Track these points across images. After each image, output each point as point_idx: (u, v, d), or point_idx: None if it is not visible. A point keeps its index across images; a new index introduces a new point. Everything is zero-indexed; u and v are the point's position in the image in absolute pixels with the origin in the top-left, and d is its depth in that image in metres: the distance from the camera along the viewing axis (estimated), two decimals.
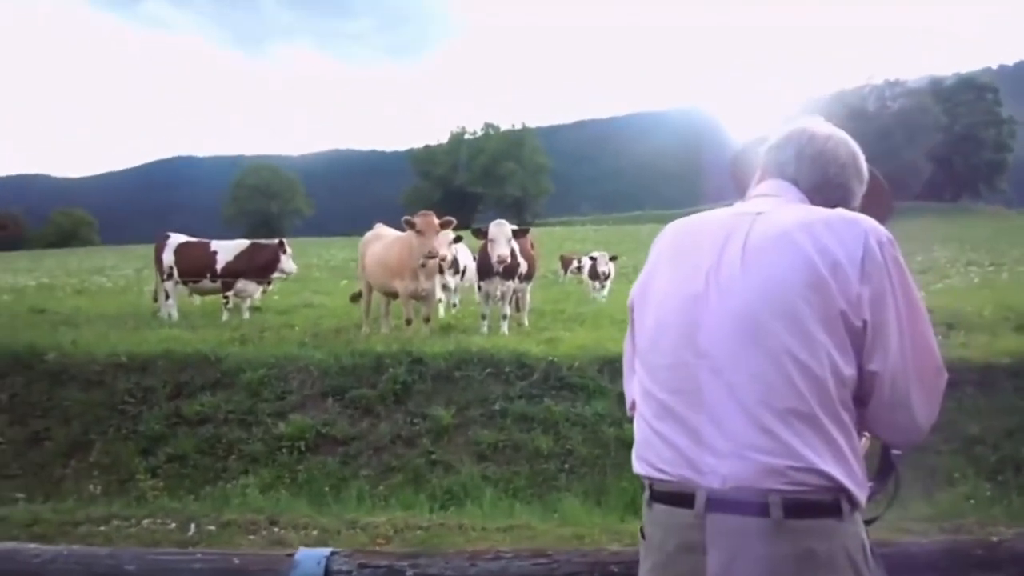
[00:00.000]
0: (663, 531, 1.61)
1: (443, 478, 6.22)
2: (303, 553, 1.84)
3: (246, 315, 11.28)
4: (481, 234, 9.13)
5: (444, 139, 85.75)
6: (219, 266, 11.27)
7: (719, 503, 1.52)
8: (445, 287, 10.81)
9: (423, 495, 5.96)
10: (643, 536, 1.69)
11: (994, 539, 1.93)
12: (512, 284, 9.44)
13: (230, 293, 11.35)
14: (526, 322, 10.21)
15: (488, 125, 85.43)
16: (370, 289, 9.74)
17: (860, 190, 1.82)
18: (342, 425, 6.75)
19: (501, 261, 8.83)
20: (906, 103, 63.50)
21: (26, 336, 8.30)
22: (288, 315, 11.46)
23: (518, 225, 9.56)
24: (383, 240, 9.54)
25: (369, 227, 10.35)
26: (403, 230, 8.81)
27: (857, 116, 62.17)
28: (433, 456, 6.44)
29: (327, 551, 1.84)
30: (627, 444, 2.39)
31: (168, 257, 11.38)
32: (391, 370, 7.16)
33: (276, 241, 12.09)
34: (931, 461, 6.03)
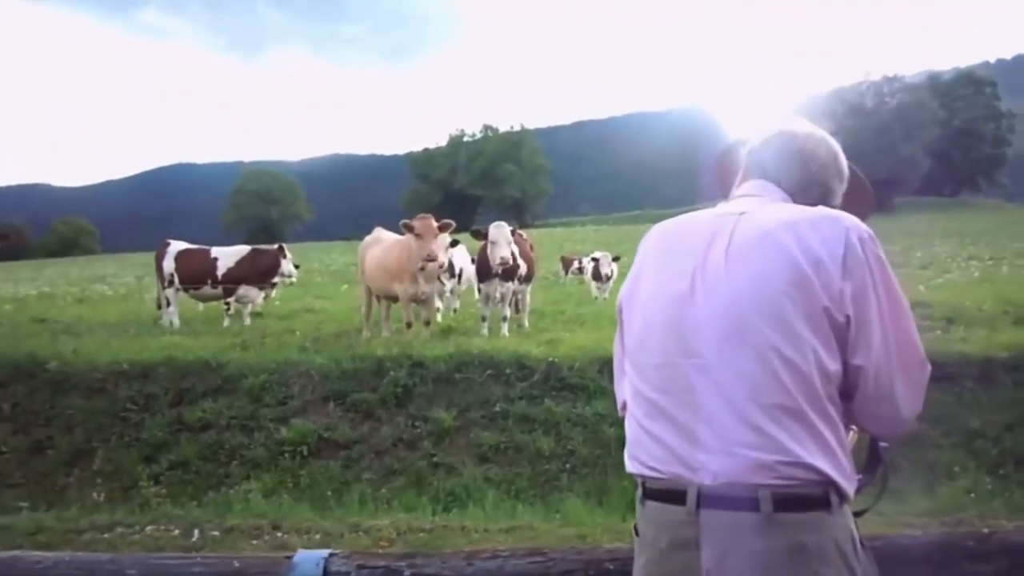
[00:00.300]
0: (656, 528, 1.64)
1: (445, 480, 6.24)
2: (302, 555, 1.86)
3: (247, 321, 11.31)
4: (481, 236, 9.15)
5: (443, 142, 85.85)
6: (220, 272, 11.29)
7: (710, 499, 1.54)
8: (440, 293, 10.73)
9: (425, 497, 5.98)
10: (637, 533, 1.71)
11: (985, 531, 1.94)
12: (512, 286, 9.46)
13: (231, 299, 11.39)
14: (526, 323, 10.23)
15: (487, 127, 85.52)
16: (370, 293, 9.77)
17: (841, 188, 1.85)
18: (344, 429, 6.77)
19: (503, 263, 8.85)
20: (904, 98, 63.42)
21: (28, 345, 8.33)
22: (289, 320, 11.49)
23: (518, 226, 9.59)
24: (382, 244, 9.56)
25: (369, 231, 10.38)
26: (402, 234, 8.84)
27: (856, 112, 62.18)
28: (435, 458, 6.46)
29: (325, 552, 1.86)
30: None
31: (169, 264, 11.39)
32: (392, 373, 7.18)
33: (275, 246, 12.12)
34: (931, 455, 6.05)
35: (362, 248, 10.04)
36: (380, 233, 10.09)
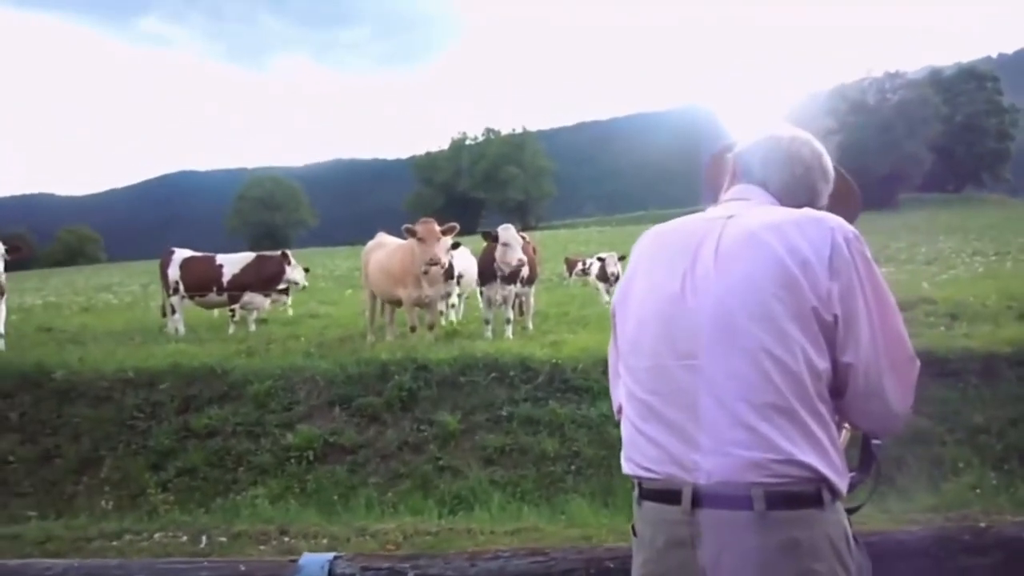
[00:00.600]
0: (652, 528, 1.67)
1: (451, 483, 6.26)
2: (307, 558, 1.89)
3: (252, 327, 11.35)
4: (491, 238, 9.16)
5: (445, 145, 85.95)
6: (225, 279, 11.34)
7: (705, 498, 1.57)
8: (449, 299, 10.58)
9: (431, 501, 6.00)
10: (634, 534, 1.74)
11: (982, 524, 1.96)
12: (514, 288, 9.48)
13: (236, 306, 11.43)
14: (530, 325, 10.24)
15: (489, 130, 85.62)
16: (374, 297, 9.80)
17: (826, 189, 1.88)
18: (349, 434, 6.79)
19: (521, 264, 8.91)
20: (906, 95, 63.24)
21: (34, 355, 8.38)
22: (294, 326, 11.52)
23: (520, 228, 9.59)
24: (385, 248, 9.60)
25: (373, 235, 10.41)
26: (405, 238, 8.87)
27: (858, 110, 62.07)
28: (440, 462, 6.48)
29: (330, 555, 1.88)
30: None
31: (174, 272, 11.44)
32: (397, 377, 7.20)
33: (279, 253, 12.16)
34: (936, 451, 6.06)
35: (365, 253, 10.08)
36: (383, 238, 10.12)
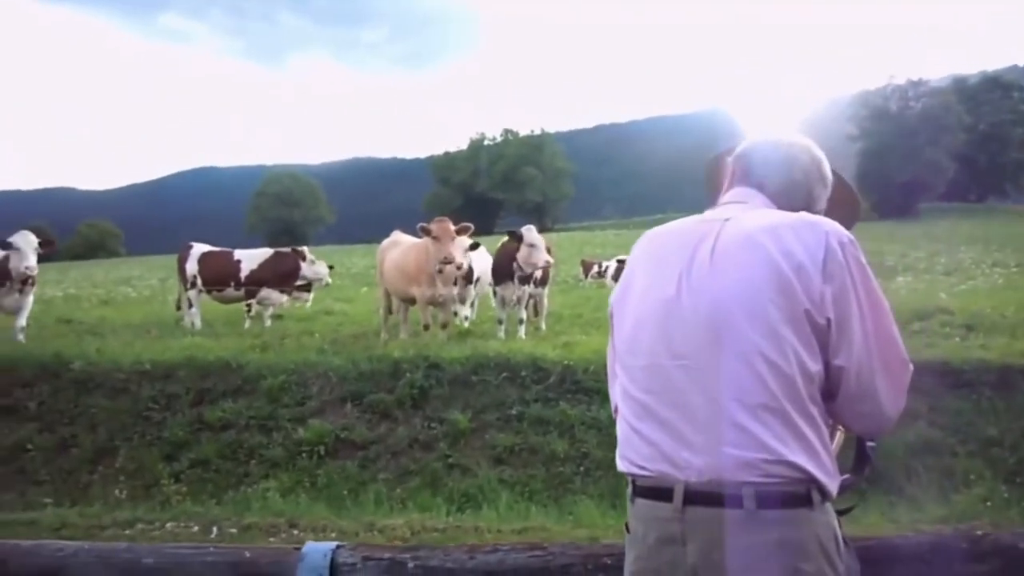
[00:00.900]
0: (645, 524, 1.70)
1: (460, 481, 6.30)
2: (310, 546, 1.93)
3: (268, 323, 11.43)
4: (516, 238, 9.19)
5: (464, 145, 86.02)
6: (243, 274, 11.43)
7: (696, 496, 1.60)
8: (464, 301, 10.29)
9: (440, 498, 6.04)
10: (628, 530, 1.77)
11: (979, 533, 1.97)
12: (528, 289, 9.51)
13: (253, 301, 11.52)
14: (543, 326, 10.26)
15: (507, 131, 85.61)
16: (388, 295, 9.85)
17: (824, 194, 1.90)
18: (360, 430, 6.85)
19: (548, 265, 9.09)
20: (929, 102, 62.58)
21: (53, 346, 8.51)
22: (309, 322, 11.60)
23: (539, 230, 9.59)
24: (400, 247, 9.65)
25: (390, 234, 10.47)
26: (420, 237, 8.91)
27: (880, 116, 61.49)
28: (450, 460, 6.52)
29: (333, 544, 1.92)
30: None
31: (192, 267, 11.53)
32: (408, 375, 7.25)
33: (289, 249, 12.17)
34: (947, 463, 6.02)
35: (380, 251, 10.14)
36: (398, 236, 10.18)
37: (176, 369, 7.66)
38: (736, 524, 1.56)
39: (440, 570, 1.86)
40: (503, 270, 9.41)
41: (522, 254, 9.06)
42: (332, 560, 1.88)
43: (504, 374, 7.25)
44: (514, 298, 9.45)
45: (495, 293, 9.85)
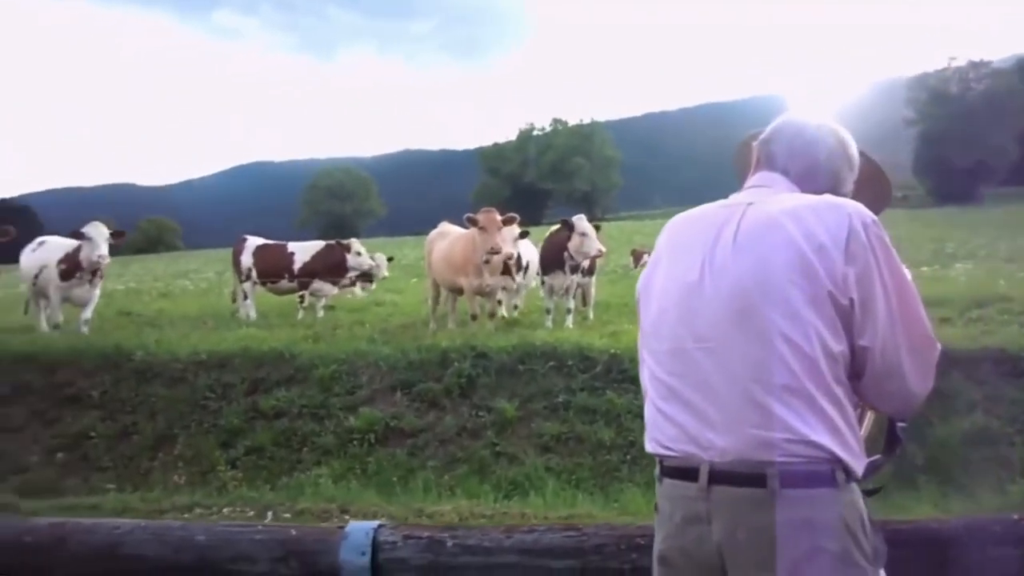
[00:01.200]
0: (671, 504, 1.72)
1: (507, 469, 6.35)
2: (353, 525, 1.99)
3: (320, 313, 11.65)
4: (567, 227, 9.20)
5: (513, 136, 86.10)
6: (296, 267, 11.66)
7: (720, 476, 1.62)
8: (506, 288, 10.04)
9: (487, 485, 6.10)
10: (657, 510, 1.79)
11: (1014, 516, 1.94)
12: (576, 278, 9.51)
13: (306, 292, 11.74)
14: (591, 315, 10.26)
15: (556, 120, 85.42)
16: (437, 286, 9.94)
17: (850, 177, 1.89)
18: (410, 418, 6.94)
19: (600, 254, 9.17)
20: (991, 84, 60.42)
21: (115, 337, 8.80)
22: (360, 313, 11.79)
23: (588, 219, 9.55)
24: (448, 237, 9.73)
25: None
26: (467, 227, 8.97)
27: (940, 100, 59.67)
28: (497, 448, 6.58)
29: (375, 523, 1.98)
30: None
31: (247, 259, 11.78)
32: (456, 364, 7.32)
33: (333, 242, 12.25)
34: (1004, 452, 5.87)
35: (428, 242, 10.24)
36: (446, 227, 10.26)
37: (231, 359, 7.86)
38: (760, 503, 1.57)
39: (478, 548, 1.91)
40: (552, 259, 9.43)
41: (574, 243, 9.07)
42: (374, 538, 1.94)
43: (551, 363, 7.27)
44: (563, 287, 9.46)
45: (543, 283, 9.86)
